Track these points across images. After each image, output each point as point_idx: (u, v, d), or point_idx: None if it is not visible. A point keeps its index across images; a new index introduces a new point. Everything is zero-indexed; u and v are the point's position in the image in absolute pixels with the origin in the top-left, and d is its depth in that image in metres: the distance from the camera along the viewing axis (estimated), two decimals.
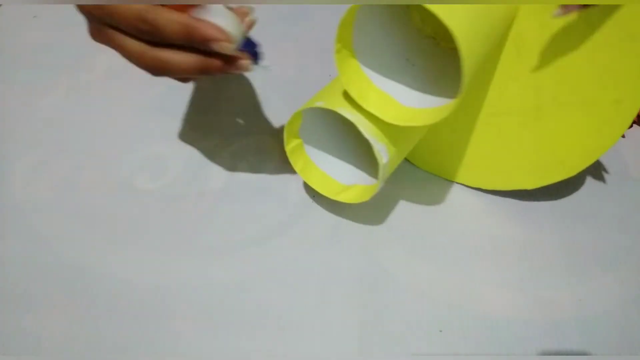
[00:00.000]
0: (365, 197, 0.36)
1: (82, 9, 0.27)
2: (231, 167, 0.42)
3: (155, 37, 0.26)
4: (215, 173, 0.41)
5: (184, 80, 0.31)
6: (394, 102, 0.32)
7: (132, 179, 0.41)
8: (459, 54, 0.26)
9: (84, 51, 0.50)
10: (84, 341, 0.32)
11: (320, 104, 0.33)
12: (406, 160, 0.43)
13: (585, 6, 0.28)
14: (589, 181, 0.41)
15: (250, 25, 0.30)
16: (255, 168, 0.42)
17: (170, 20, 0.25)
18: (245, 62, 0.28)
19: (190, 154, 0.42)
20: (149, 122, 0.45)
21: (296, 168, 0.38)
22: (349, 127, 0.39)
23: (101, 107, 0.45)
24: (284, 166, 0.42)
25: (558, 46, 0.32)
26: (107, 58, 0.50)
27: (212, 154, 0.42)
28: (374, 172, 0.37)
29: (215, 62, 0.27)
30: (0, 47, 0.51)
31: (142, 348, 0.32)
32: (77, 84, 0.48)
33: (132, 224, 0.38)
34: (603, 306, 0.34)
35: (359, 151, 0.39)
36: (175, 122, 0.45)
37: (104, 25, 0.26)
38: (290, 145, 0.37)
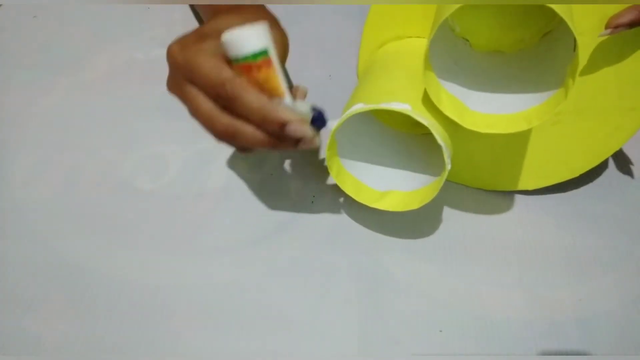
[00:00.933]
0: (415, 205, 0.34)
1: (169, 58, 0.26)
2: (231, 167, 0.42)
3: (231, 107, 0.25)
4: (215, 173, 0.41)
5: (245, 150, 0.30)
6: (465, 107, 0.32)
7: (132, 179, 0.41)
8: (575, 59, 0.27)
9: (84, 51, 0.50)
10: (84, 341, 0.32)
11: (388, 105, 0.31)
12: None
13: (631, 26, 0.29)
14: (590, 181, 0.41)
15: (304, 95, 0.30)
16: (255, 168, 0.42)
17: (251, 96, 0.25)
18: (315, 140, 0.27)
19: (190, 154, 0.42)
20: (149, 122, 0.45)
21: (332, 174, 0.36)
22: (380, 133, 0.38)
23: (101, 107, 0.45)
24: (284, 166, 0.42)
25: (587, 56, 0.32)
26: (107, 58, 0.50)
27: (212, 154, 0.42)
28: (411, 179, 0.36)
29: (286, 144, 0.27)
30: (0, 47, 0.51)
31: (142, 348, 0.32)
32: (77, 84, 0.48)
33: (132, 224, 0.38)
34: (603, 306, 0.34)
35: (392, 157, 0.38)
36: (175, 122, 0.45)
37: (184, 80, 0.26)
38: (329, 151, 0.35)
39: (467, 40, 0.35)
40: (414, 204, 0.34)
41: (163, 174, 0.41)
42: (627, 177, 0.41)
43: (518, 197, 0.40)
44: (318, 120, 0.28)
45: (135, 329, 0.33)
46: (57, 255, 0.36)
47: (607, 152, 0.36)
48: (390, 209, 0.35)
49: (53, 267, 0.36)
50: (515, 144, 0.37)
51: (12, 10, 0.54)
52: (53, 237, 0.37)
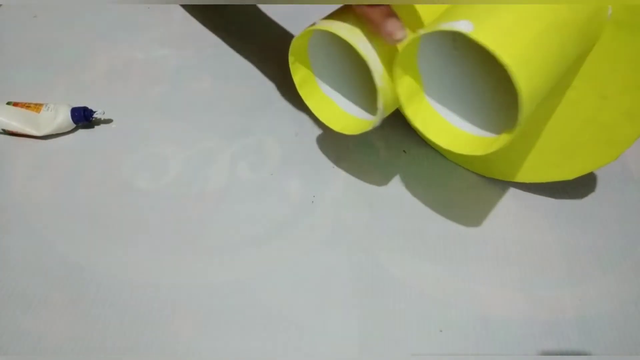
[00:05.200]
0: (357, 130, 0.35)
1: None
2: (231, 167, 0.42)
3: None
4: (215, 173, 0.41)
5: (400, 35, 0.32)
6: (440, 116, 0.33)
7: (132, 179, 0.41)
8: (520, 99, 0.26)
9: (84, 51, 0.50)
10: (84, 341, 0.32)
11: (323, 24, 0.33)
12: (408, 161, 0.43)
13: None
14: (589, 181, 0.41)
15: None
16: (255, 168, 0.42)
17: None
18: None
19: (190, 154, 0.42)
20: (149, 122, 0.45)
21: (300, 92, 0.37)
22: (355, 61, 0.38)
23: (101, 107, 0.45)
24: (284, 166, 0.42)
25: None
26: (107, 58, 0.50)
27: (212, 154, 0.42)
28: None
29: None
30: (0, 47, 0.51)
31: (142, 348, 0.32)
32: (77, 84, 0.48)
33: (132, 224, 0.38)
34: (603, 306, 0.34)
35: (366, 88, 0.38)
36: (175, 122, 0.45)
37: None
38: (299, 75, 0.37)
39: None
40: (357, 129, 0.36)
41: (163, 174, 0.41)
42: (627, 177, 0.41)
43: (518, 197, 0.40)
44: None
45: (135, 329, 0.33)
46: (57, 255, 0.36)
47: (606, 158, 0.35)
48: (341, 131, 0.36)
49: (53, 267, 0.36)
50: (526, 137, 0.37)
51: (12, 10, 0.54)
52: (53, 236, 0.37)
